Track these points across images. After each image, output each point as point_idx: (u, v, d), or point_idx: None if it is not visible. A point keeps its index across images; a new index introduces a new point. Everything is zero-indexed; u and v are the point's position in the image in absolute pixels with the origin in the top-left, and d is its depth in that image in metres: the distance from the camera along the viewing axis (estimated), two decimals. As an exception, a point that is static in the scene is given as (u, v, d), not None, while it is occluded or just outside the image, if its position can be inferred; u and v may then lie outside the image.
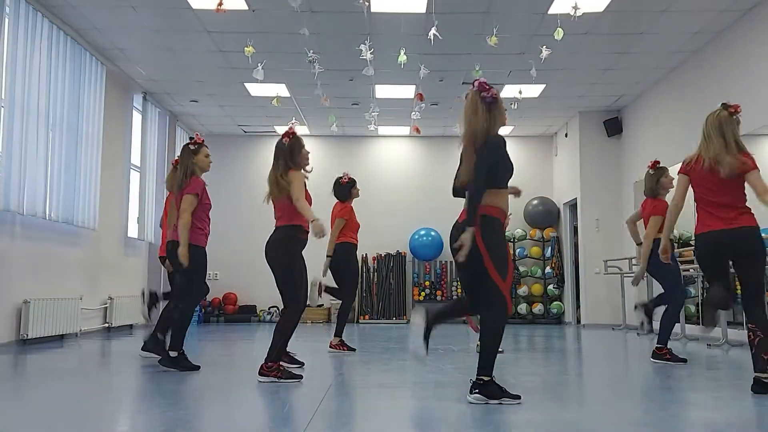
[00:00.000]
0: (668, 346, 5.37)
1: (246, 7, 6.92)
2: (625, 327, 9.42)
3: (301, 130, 11.95)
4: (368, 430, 2.90)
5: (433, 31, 6.27)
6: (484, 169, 3.45)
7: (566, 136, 11.62)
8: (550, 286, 11.77)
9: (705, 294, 4.85)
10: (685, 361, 5.27)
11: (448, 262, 12.03)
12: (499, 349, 3.83)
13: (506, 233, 13.21)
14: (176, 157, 5.31)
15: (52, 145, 7.07)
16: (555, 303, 11.67)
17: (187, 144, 5.01)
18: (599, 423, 2.98)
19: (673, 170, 9.21)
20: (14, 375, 4.71)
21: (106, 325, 8.57)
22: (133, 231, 9.61)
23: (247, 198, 11.57)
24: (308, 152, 4.58)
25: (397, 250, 12.01)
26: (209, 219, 4.97)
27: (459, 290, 11.42)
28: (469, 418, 3.05)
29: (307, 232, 4.34)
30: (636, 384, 4.16)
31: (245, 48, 6.77)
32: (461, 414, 3.14)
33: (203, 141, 5.06)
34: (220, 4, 5.97)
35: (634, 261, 9.17)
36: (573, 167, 11.25)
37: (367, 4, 6.01)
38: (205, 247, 4.86)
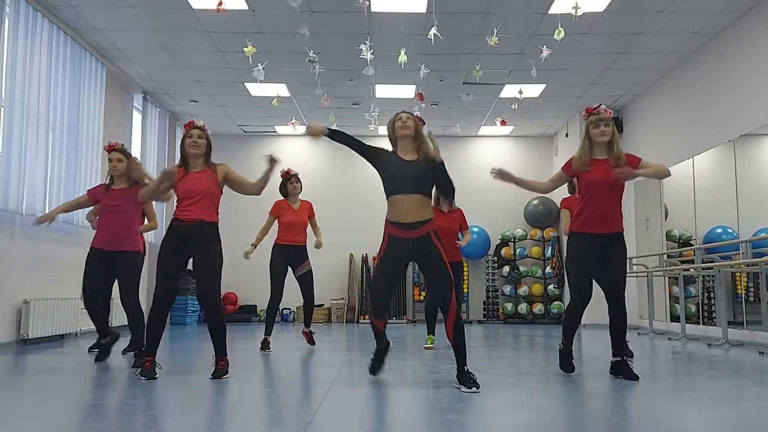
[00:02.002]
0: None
1: (246, 7, 6.92)
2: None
3: (301, 130, 11.94)
4: (367, 429, 2.90)
5: (433, 30, 6.26)
6: None
7: (567, 135, 11.61)
8: (551, 286, 11.76)
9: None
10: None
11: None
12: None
13: (507, 232, 12.96)
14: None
15: (52, 145, 7.07)
16: (555, 303, 11.67)
17: None
18: (598, 423, 2.98)
19: (670, 170, 9.20)
20: (14, 375, 4.71)
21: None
22: (133, 231, 9.60)
23: (246, 198, 11.55)
24: (190, 138, 4.51)
25: (398, 250, 12.00)
26: (104, 219, 4.95)
27: (465, 289, 11.40)
28: (468, 418, 3.05)
29: (180, 221, 4.34)
30: (635, 384, 4.16)
31: (246, 48, 6.76)
32: (461, 413, 3.14)
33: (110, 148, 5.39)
34: (220, 3, 5.97)
35: (634, 261, 9.18)
36: (573, 167, 11.22)
37: (367, 3, 6.01)
38: (95, 247, 4.92)
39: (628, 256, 6.29)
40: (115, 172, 4.98)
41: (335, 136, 4.16)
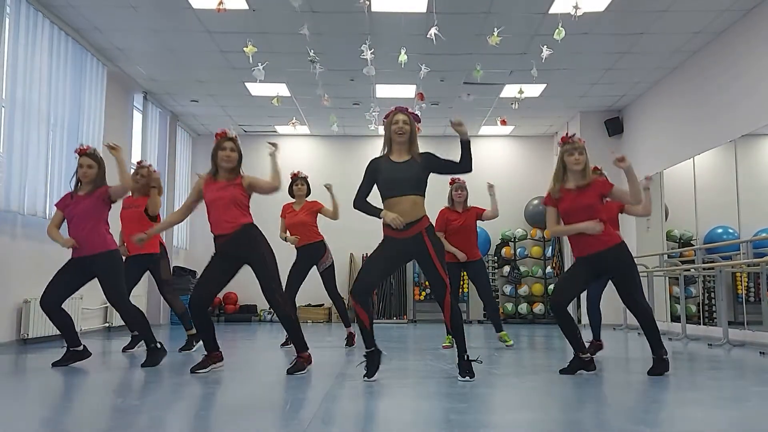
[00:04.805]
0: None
1: (246, 7, 6.92)
2: (626, 327, 9.41)
3: (301, 129, 11.96)
4: (369, 429, 2.90)
5: (433, 30, 6.26)
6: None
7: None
8: (551, 286, 11.76)
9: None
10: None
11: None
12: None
13: (507, 232, 12.96)
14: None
15: (53, 145, 7.08)
16: (556, 303, 11.66)
17: None
18: (600, 422, 2.98)
19: (671, 170, 9.20)
20: (14, 375, 4.71)
21: (107, 324, 8.58)
22: (133, 231, 9.60)
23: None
24: (223, 150, 4.52)
25: (398, 250, 12.00)
26: (73, 227, 4.86)
27: (466, 288, 11.41)
28: (470, 418, 3.05)
29: (218, 236, 4.47)
30: (637, 383, 4.16)
31: (246, 48, 6.76)
32: (463, 414, 3.14)
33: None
34: (221, 3, 5.97)
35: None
36: (574, 167, 11.23)
37: (367, 3, 6.00)
38: (75, 257, 4.90)
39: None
40: (85, 178, 4.80)
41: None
